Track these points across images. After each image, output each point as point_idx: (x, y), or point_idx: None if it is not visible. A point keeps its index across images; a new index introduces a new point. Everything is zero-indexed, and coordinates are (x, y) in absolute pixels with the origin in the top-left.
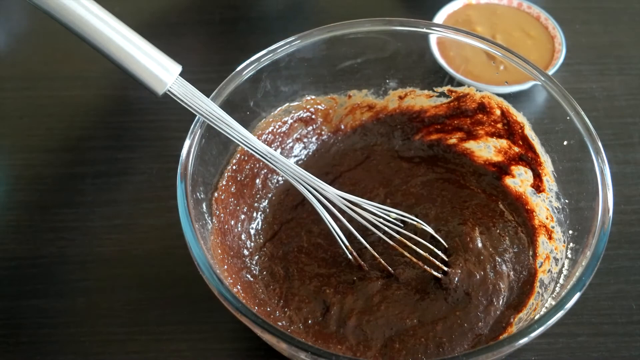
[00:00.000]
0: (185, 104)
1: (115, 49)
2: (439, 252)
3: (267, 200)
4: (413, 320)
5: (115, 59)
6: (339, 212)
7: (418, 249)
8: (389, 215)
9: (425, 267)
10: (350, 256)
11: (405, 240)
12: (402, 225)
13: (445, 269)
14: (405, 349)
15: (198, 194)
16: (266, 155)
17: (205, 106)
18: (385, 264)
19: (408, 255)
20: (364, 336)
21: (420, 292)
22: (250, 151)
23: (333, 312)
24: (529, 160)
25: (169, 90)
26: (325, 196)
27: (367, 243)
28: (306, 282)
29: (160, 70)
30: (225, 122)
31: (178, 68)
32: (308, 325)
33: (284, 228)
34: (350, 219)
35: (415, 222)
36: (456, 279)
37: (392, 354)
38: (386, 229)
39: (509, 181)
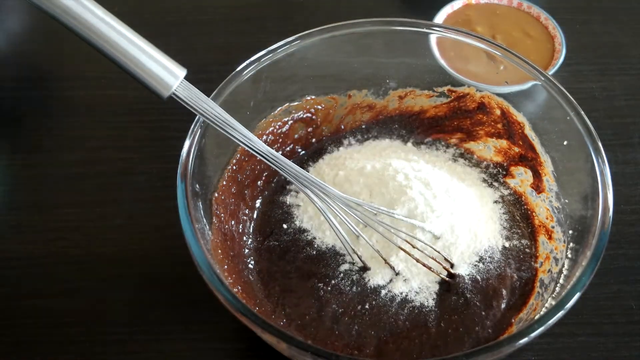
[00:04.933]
0: (190, 106)
1: (121, 53)
2: (445, 255)
3: (266, 199)
4: (405, 323)
5: (120, 63)
6: (340, 212)
7: (424, 252)
8: (392, 217)
9: (432, 269)
10: (354, 257)
11: (408, 242)
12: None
13: (452, 271)
14: (400, 350)
15: (198, 194)
16: (271, 158)
17: (210, 109)
18: (391, 264)
19: (414, 257)
20: (358, 335)
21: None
22: (256, 154)
23: (329, 309)
24: (529, 160)
25: (173, 94)
26: (328, 197)
27: (368, 243)
28: (304, 279)
29: (165, 73)
30: (230, 125)
31: (183, 72)
32: (305, 323)
33: (283, 226)
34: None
35: (420, 226)
36: (461, 283)
37: (386, 354)
38: (390, 229)
39: (508, 181)
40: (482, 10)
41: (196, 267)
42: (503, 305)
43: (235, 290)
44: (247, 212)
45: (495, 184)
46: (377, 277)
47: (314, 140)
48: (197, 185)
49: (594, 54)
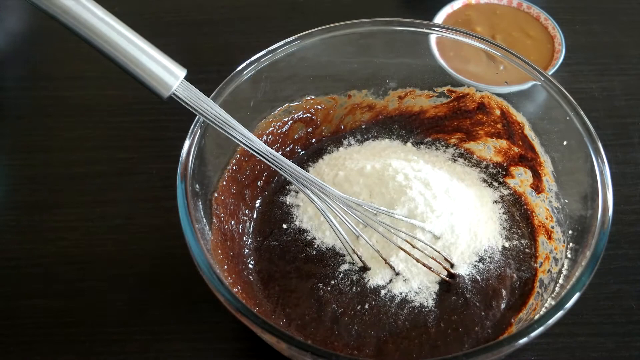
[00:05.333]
0: (190, 106)
1: (121, 53)
2: (445, 255)
3: (265, 199)
4: (405, 323)
5: (120, 63)
6: (340, 212)
7: (424, 252)
8: (392, 217)
9: (432, 269)
10: (354, 257)
11: (408, 242)
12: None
13: (452, 271)
14: (399, 350)
15: (198, 194)
16: (271, 158)
17: (210, 109)
18: (391, 264)
19: (414, 257)
20: (358, 335)
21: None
22: (256, 154)
23: (328, 309)
24: (529, 160)
25: (173, 94)
26: (328, 197)
27: (368, 243)
28: (304, 279)
29: (165, 74)
30: (230, 125)
31: (183, 72)
32: (305, 323)
33: (282, 226)
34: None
35: (420, 226)
36: (461, 284)
37: (386, 354)
38: (390, 230)
39: (508, 181)
40: (482, 10)
41: (196, 267)
42: (503, 306)
43: (235, 290)
44: (247, 212)
45: (495, 183)
46: (376, 277)
47: (313, 140)
48: (197, 185)
49: (593, 54)
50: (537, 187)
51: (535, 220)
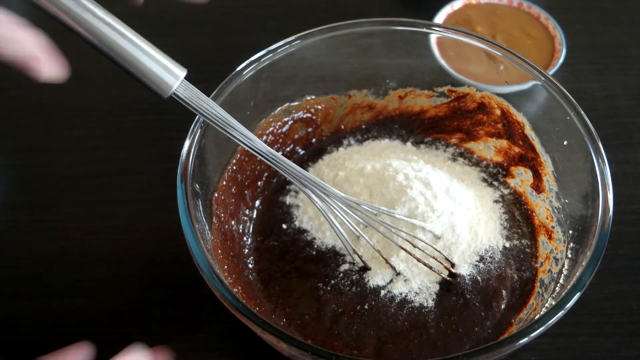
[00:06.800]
0: (190, 106)
1: (121, 53)
2: (445, 255)
3: (266, 199)
4: (404, 323)
5: (120, 63)
6: (341, 212)
7: (425, 251)
8: (393, 217)
9: (433, 269)
10: (355, 257)
11: (409, 242)
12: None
13: (453, 271)
14: (399, 350)
15: (198, 194)
16: (271, 158)
17: (210, 109)
18: (391, 264)
19: (415, 257)
20: (357, 335)
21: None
22: (256, 154)
23: (328, 309)
24: (529, 160)
25: (174, 94)
26: (328, 197)
27: (369, 243)
28: (304, 279)
29: (165, 74)
30: (230, 125)
31: (183, 72)
32: (305, 322)
33: (282, 226)
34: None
35: (421, 226)
36: (462, 284)
37: (386, 354)
38: (390, 229)
39: (508, 181)
40: (482, 10)
41: (196, 267)
42: (503, 306)
43: (235, 290)
44: (247, 212)
45: (495, 183)
46: (377, 278)
47: (313, 140)
48: (197, 185)
49: (594, 54)
50: (538, 187)
51: (535, 220)
